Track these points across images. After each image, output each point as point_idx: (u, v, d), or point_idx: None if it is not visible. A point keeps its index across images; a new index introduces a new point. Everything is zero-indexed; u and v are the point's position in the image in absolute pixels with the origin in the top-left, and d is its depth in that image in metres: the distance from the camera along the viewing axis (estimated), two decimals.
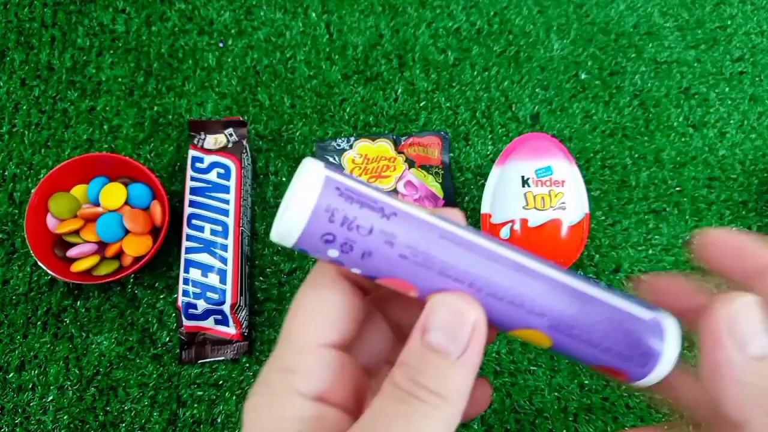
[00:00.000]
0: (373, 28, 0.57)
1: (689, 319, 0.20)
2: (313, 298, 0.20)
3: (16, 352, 0.49)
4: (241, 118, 0.51)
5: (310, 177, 0.18)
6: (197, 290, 0.46)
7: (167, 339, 0.49)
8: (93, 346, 0.49)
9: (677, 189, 0.53)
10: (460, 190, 0.53)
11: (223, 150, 0.51)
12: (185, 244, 0.48)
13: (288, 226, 0.18)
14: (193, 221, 0.49)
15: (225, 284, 0.47)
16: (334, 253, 0.18)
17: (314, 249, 0.18)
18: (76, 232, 0.48)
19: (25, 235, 0.47)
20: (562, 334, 0.19)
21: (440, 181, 0.52)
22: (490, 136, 0.54)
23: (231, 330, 0.48)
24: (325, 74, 0.56)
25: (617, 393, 0.48)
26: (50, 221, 0.48)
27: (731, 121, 0.55)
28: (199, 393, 0.48)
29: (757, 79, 0.56)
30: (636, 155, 0.54)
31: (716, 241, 0.19)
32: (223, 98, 0.55)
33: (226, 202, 0.49)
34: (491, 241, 0.19)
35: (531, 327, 0.19)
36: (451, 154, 0.54)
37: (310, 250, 0.18)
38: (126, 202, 0.49)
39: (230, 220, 0.48)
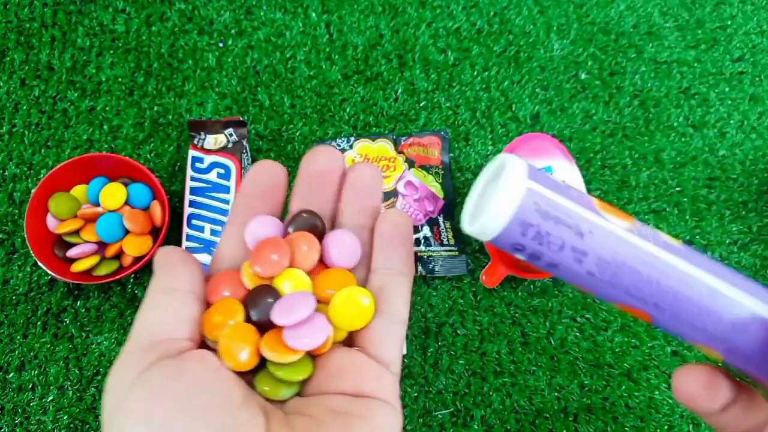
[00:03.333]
0: (373, 28, 0.57)
1: None
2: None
3: (16, 352, 0.49)
4: (241, 118, 0.51)
5: (511, 186, 0.18)
6: None
7: None
8: (93, 346, 0.49)
9: (677, 189, 0.53)
10: (460, 190, 0.53)
11: (223, 150, 0.51)
12: (185, 244, 0.48)
13: (481, 230, 0.18)
14: (193, 221, 0.49)
15: None
16: (520, 256, 0.18)
17: (503, 247, 0.19)
18: (76, 232, 0.48)
19: (25, 235, 0.47)
20: (736, 356, 0.19)
21: (440, 181, 0.52)
22: (490, 136, 0.54)
23: None
24: (325, 74, 0.56)
25: (617, 393, 0.48)
26: (50, 221, 0.48)
27: (731, 121, 0.55)
28: None
29: (757, 79, 0.56)
30: (636, 155, 0.54)
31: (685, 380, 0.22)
32: (223, 98, 0.55)
33: (226, 202, 0.49)
34: (692, 264, 0.19)
35: (707, 346, 0.19)
36: (451, 154, 0.54)
37: (498, 246, 0.19)
38: (126, 202, 0.49)
39: None
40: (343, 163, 0.24)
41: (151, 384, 0.18)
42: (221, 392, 0.18)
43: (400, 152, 0.52)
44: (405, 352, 0.49)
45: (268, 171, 0.23)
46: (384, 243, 0.23)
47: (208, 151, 0.51)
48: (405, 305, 0.22)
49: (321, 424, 0.19)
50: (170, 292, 0.21)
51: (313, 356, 0.21)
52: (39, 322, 0.50)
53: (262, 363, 0.21)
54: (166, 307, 0.20)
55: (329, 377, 0.21)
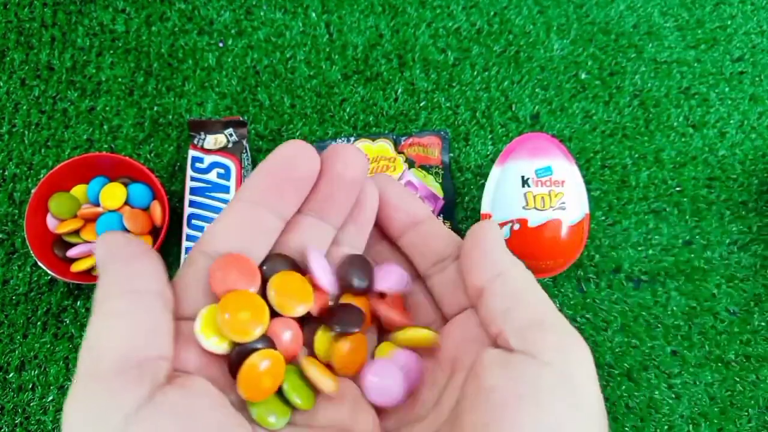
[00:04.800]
0: (373, 28, 0.57)
1: None
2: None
3: (16, 352, 0.49)
4: (241, 118, 0.51)
5: None
6: None
7: None
8: None
9: (677, 189, 0.53)
10: (460, 190, 0.53)
11: (223, 150, 0.51)
12: (185, 244, 0.48)
13: None
14: (193, 221, 0.49)
15: None
16: None
17: None
18: (76, 232, 0.48)
19: (25, 235, 0.47)
20: None
21: (440, 181, 0.52)
22: (490, 136, 0.54)
23: None
24: (325, 74, 0.56)
25: (617, 393, 0.48)
26: (50, 221, 0.48)
27: (731, 121, 0.55)
28: None
29: (757, 79, 0.56)
30: (636, 155, 0.54)
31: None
32: (223, 98, 0.55)
33: (226, 202, 0.49)
34: None
35: None
36: (451, 154, 0.54)
37: None
38: (126, 202, 0.49)
39: None
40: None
41: (161, 426, 0.14)
42: None
43: (400, 152, 0.52)
44: None
45: (307, 155, 0.19)
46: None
47: (208, 151, 0.51)
48: None
49: None
50: (133, 294, 0.16)
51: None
52: (39, 322, 0.50)
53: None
54: (133, 316, 0.16)
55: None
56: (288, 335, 0.19)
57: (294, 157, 0.19)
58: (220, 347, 0.18)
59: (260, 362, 0.18)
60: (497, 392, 0.17)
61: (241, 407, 0.18)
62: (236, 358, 0.18)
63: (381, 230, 0.23)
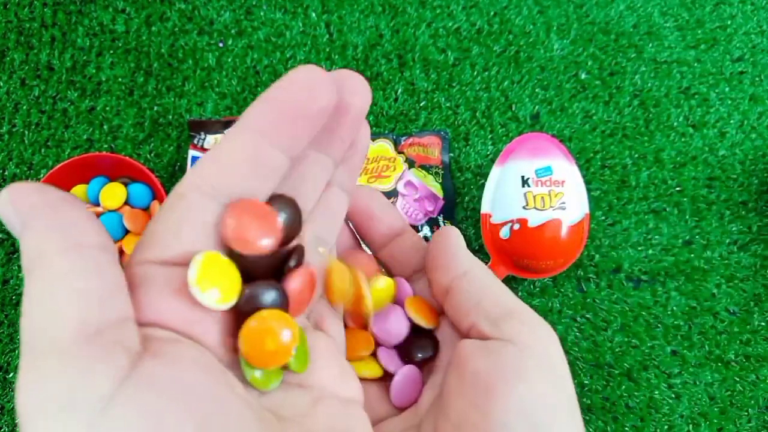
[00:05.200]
0: (373, 28, 0.57)
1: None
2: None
3: (16, 352, 0.49)
4: None
5: None
6: None
7: None
8: None
9: (677, 189, 0.53)
10: (460, 190, 0.53)
11: None
12: None
13: None
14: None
15: None
16: None
17: None
18: None
19: None
20: None
21: (440, 181, 0.52)
22: (490, 136, 0.54)
23: None
24: None
25: (617, 393, 0.48)
26: None
27: (731, 121, 0.55)
28: None
29: (757, 79, 0.56)
30: (636, 155, 0.54)
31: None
32: (223, 98, 0.55)
33: None
34: None
35: None
36: (451, 154, 0.54)
37: None
38: (126, 202, 0.49)
39: None
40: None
41: (147, 403, 0.12)
42: (234, 407, 0.13)
43: (400, 152, 0.52)
44: None
45: (324, 86, 0.16)
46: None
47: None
48: None
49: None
50: (76, 250, 0.13)
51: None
52: None
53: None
54: (84, 277, 0.13)
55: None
56: (297, 282, 0.17)
57: (310, 88, 0.16)
58: (222, 303, 0.15)
59: (274, 327, 0.15)
60: (482, 375, 0.18)
61: (232, 364, 0.16)
62: (245, 305, 0.16)
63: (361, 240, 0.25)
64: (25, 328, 0.12)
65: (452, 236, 0.23)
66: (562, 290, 0.51)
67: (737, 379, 0.48)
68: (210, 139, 0.51)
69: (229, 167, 0.16)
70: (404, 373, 0.22)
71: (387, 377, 0.22)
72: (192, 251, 0.15)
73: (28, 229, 0.13)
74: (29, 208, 0.13)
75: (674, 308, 0.50)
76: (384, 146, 0.53)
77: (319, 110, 0.16)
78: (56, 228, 0.13)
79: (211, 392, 0.13)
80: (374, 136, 0.53)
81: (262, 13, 0.57)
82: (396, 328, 0.22)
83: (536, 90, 0.55)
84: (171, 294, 0.14)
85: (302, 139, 0.16)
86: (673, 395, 0.48)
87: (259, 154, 0.16)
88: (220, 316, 0.15)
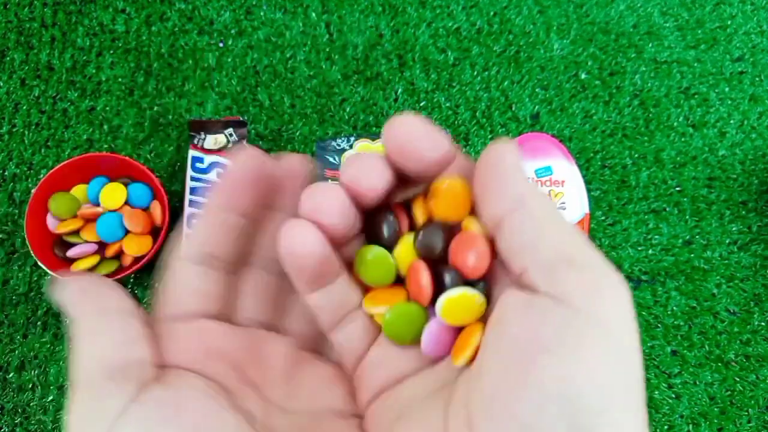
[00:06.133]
0: (373, 28, 0.57)
1: None
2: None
3: (16, 352, 0.49)
4: (241, 118, 0.51)
5: None
6: None
7: None
8: None
9: (677, 189, 0.53)
10: None
11: (223, 150, 0.51)
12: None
13: None
14: (193, 221, 0.49)
15: None
16: None
17: None
18: (76, 232, 0.48)
19: (25, 235, 0.47)
20: None
21: None
22: (490, 136, 0.54)
23: None
24: (325, 74, 0.56)
25: None
26: (50, 221, 0.48)
27: (731, 121, 0.55)
28: None
29: (757, 79, 0.56)
30: (636, 155, 0.54)
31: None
32: (223, 98, 0.55)
33: None
34: None
35: None
36: None
37: None
38: (126, 202, 0.49)
39: None
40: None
41: (147, 418, 0.16)
42: (229, 423, 0.17)
43: None
44: None
45: (256, 160, 0.19)
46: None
47: (208, 151, 0.51)
48: None
49: None
50: (103, 314, 0.18)
51: None
52: (39, 322, 0.50)
53: None
54: (108, 330, 0.17)
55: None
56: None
57: (244, 161, 0.19)
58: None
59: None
60: (521, 342, 0.15)
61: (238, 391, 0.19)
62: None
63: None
64: (71, 370, 0.17)
65: (506, 154, 0.18)
66: None
67: (737, 379, 0.48)
68: (210, 139, 0.51)
69: (195, 238, 0.19)
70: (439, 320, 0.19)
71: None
72: (191, 311, 0.19)
73: (73, 306, 0.18)
74: (74, 294, 0.18)
75: (674, 308, 0.50)
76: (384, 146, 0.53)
77: (252, 177, 0.19)
78: (87, 302, 0.18)
79: (201, 407, 0.16)
80: (374, 136, 0.53)
81: (262, 13, 0.57)
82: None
83: (536, 90, 0.55)
84: (181, 342, 0.19)
85: (247, 201, 0.20)
86: (673, 395, 0.48)
87: (217, 221, 0.19)
88: (225, 356, 0.19)
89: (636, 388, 0.15)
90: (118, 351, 0.17)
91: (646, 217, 0.52)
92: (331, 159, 0.53)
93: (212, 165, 0.50)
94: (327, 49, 0.56)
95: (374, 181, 0.18)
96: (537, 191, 0.17)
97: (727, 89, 0.55)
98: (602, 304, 0.15)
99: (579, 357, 0.15)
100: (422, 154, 0.18)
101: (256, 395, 0.19)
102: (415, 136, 0.18)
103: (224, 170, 0.20)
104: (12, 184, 0.53)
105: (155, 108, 0.55)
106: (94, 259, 0.48)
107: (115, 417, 0.15)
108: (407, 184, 0.20)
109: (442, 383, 0.18)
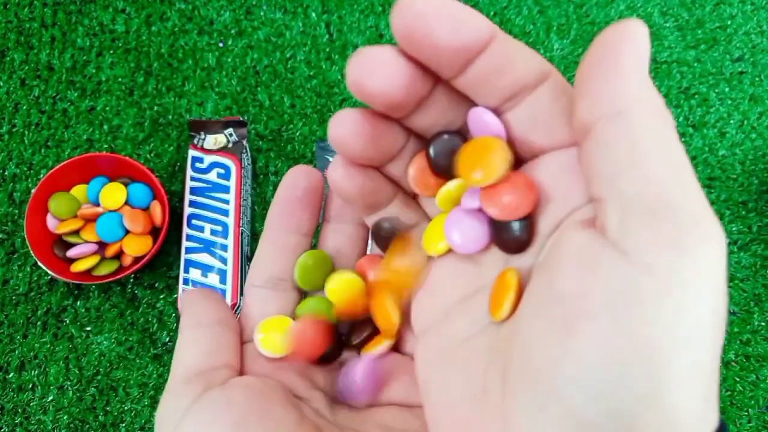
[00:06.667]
0: (373, 28, 0.57)
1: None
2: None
3: (16, 352, 0.49)
4: (241, 118, 0.51)
5: None
6: None
7: (167, 339, 0.49)
8: (93, 346, 0.49)
9: None
10: None
11: (223, 150, 0.51)
12: (185, 244, 0.48)
13: None
14: (193, 221, 0.49)
15: (225, 284, 0.47)
16: None
17: None
18: (76, 232, 0.48)
19: (25, 235, 0.47)
20: None
21: None
22: None
23: None
24: (325, 74, 0.56)
25: None
26: (50, 221, 0.48)
27: (731, 121, 0.55)
28: None
29: (757, 79, 0.56)
30: None
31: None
32: (223, 98, 0.55)
33: (226, 202, 0.49)
34: None
35: None
36: None
37: None
38: (126, 202, 0.49)
39: (230, 220, 0.48)
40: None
41: (201, 417, 0.18)
42: (274, 418, 0.18)
43: None
44: None
45: (306, 174, 0.21)
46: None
47: (208, 151, 0.51)
48: None
49: None
50: (197, 326, 0.21)
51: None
52: (39, 322, 0.50)
53: None
54: (197, 341, 0.20)
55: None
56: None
57: (295, 179, 0.21)
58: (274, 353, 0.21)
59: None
60: (568, 301, 0.13)
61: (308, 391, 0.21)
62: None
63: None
64: (170, 374, 0.20)
65: (624, 44, 0.13)
66: None
67: (737, 379, 0.48)
68: (210, 139, 0.51)
69: (262, 263, 0.22)
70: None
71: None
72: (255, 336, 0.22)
73: (181, 317, 0.21)
74: (181, 305, 0.22)
75: None
76: None
77: (305, 195, 0.22)
78: (189, 315, 0.21)
79: (247, 403, 0.18)
80: None
81: (262, 13, 0.57)
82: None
83: None
84: (250, 360, 0.21)
85: (305, 219, 0.22)
86: None
87: (278, 244, 0.22)
88: (293, 366, 0.21)
89: (703, 378, 0.12)
90: (200, 359, 0.19)
91: None
92: (331, 159, 0.53)
93: (212, 165, 0.50)
94: (327, 49, 0.56)
95: (384, 80, 0.15)
96: (650, 99, 0.13)
97: (727, 89, 0.55)
98: (683, 265, 0.12)
99: (630, 330, 0.12)
100: (438, 38, 0.14)
101: (320, 396, 0.21)
102: (429, 12, 0.14)
103: (278, 191, 0.22)
104: (12, 184, 0.53)
105: (155, 108, 0.55)
106: (94, 259, 0.48)
107: (180, 417, 0.18)
108: (435, 83, 0.16)
109: (487, 324, 0.16)
